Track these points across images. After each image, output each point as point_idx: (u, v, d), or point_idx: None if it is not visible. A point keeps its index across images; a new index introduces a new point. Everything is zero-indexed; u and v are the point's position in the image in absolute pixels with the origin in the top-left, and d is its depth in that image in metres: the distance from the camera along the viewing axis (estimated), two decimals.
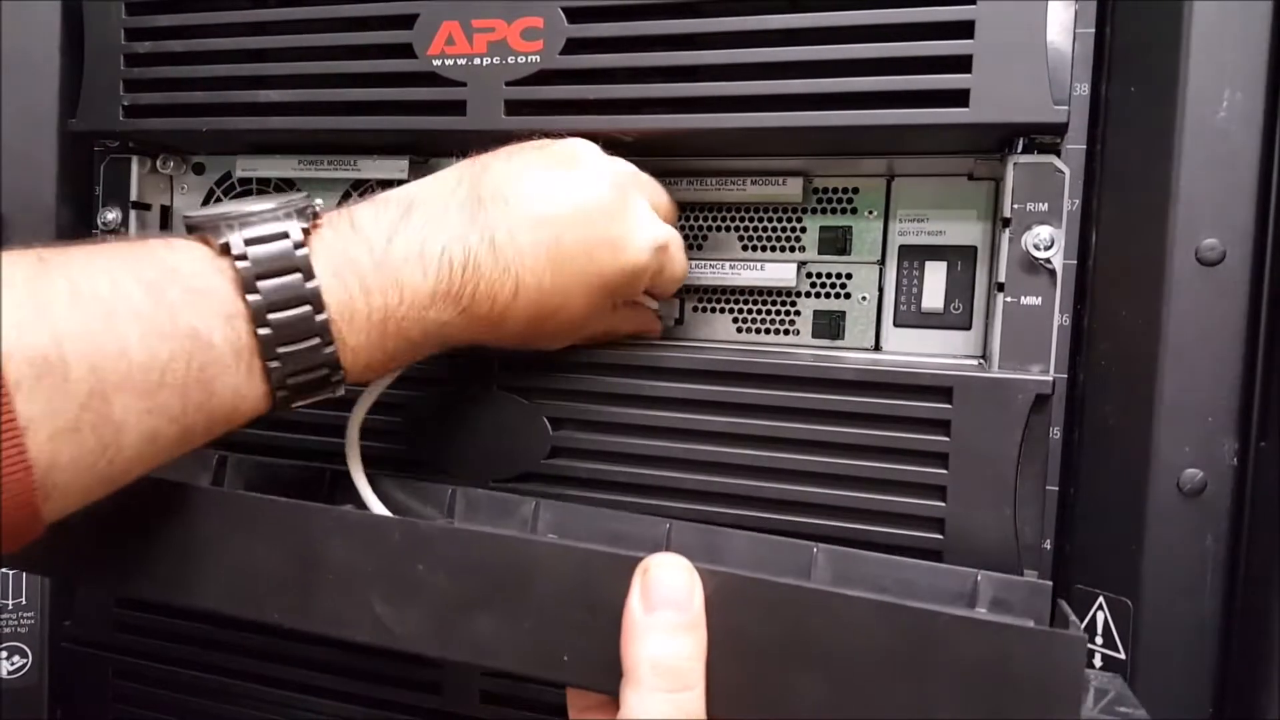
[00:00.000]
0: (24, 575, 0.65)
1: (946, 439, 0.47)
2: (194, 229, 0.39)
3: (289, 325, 0.37)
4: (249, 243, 0.38)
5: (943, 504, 0.47)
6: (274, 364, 0.38)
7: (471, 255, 0.42)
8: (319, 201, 0.42)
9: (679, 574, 0.32)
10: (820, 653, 0.29)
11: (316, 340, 0.38)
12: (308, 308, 0.38)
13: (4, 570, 0.64)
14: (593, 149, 0.48)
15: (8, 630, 0.65)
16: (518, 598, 0.33)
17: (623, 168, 0.49)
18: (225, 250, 0.38)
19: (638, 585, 0.32)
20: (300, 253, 0.38)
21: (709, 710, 0.31)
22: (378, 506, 0.50)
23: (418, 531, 0.35)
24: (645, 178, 0.50)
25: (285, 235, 0.38)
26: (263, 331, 0.37)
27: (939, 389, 0.47)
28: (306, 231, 0.40)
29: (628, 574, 0.33)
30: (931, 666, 0.27)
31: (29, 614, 0.65)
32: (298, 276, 0.38)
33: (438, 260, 0.42)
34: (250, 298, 0.37)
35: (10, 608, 0.65)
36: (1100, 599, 0.44)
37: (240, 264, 0.37)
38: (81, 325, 0.32)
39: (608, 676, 0.31)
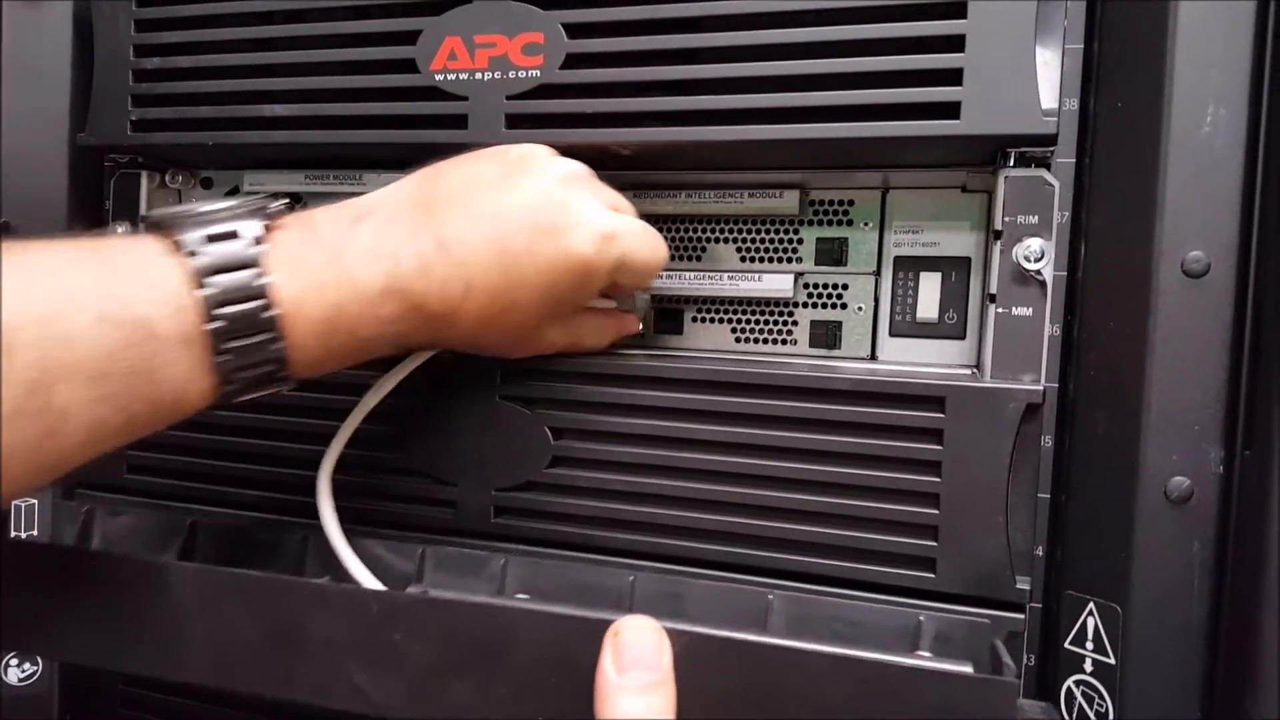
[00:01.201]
0: None
1: (939, 448, 0.47)
2: (154, 226, 0.40)
3: (239, 319, 0.39)
4: (206, 240, 0.39)
5: (936, 512, 0.47)
6: (222, 357, 0.39)
7: (423, 254, 0.44)
8: (282, 202, 0.44)
9: (648, 635, 0.34)
10: (780, 702, 0.31)
11: (266, 335, 0.39)
12: (258, 302, 0.39)
13: None
14: (544, 152, 0.49)
15: None
16: (493, 663, 0.34)
17: (573, 167, 0.49)
18: (181, 246, 0.39)
19: (609, 648, 0.34)
20: (254, 250, 0.40)
21: None
22: (356, 567, 0.51)
23: (394, 602, 0.36)
24: (599, 181, 0.50)
25: (241, 233, 0.40)
26: (212, 325, 0.38)
27: (932, 398, 0.48)
28: (266, 229, 0.41)
29: (599, 636, 0.34)
30: (881, 711, 0.30)
31: None
32: (250, 272, 0.39)
33: (390, 259, 0.43)
34: (201, 291, 0.38)
35: None
36: (1090, 605, 0.45)
37: (194, 259, 0.38)
38: (30, 312, 0.33)
39: None
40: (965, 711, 0.29)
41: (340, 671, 0.35)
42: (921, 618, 0.40)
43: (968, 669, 0.35)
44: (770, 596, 0.45)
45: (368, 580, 0.47)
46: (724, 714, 0.32)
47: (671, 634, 0.34)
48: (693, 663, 0.32)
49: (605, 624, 0.34)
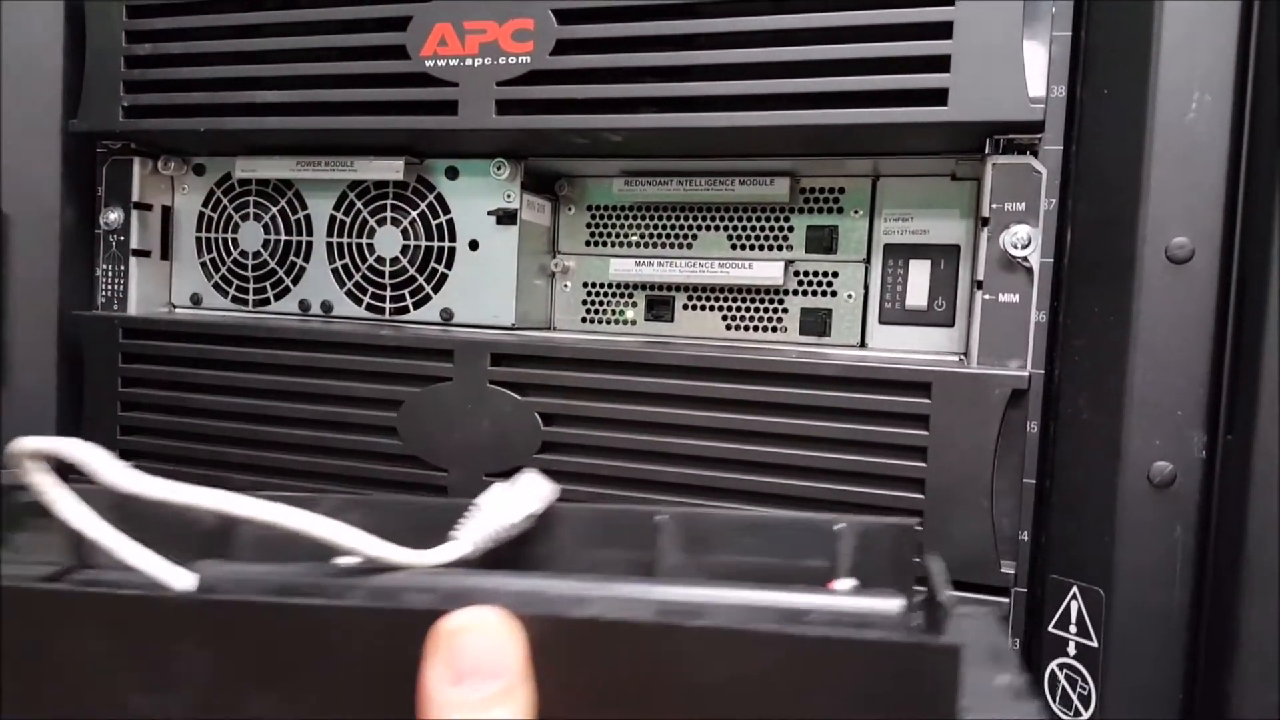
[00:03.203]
0: None
1: (925, 433, 0.48)
2: None
3: None
4: None
5: (921, 496, 0.48)
6: None
7: None
8: None
9: (490, 632, 0.25)
10: (668, 691, 0.25)
11: None
12: None
13: None
14: None
15: None
16: (302, 672, 0.27)
17: None
18: None
19: (438, 654, 0.25)
20: None
21: None
22: (129, 550, 0.32)
23: (171, 605, 0.28)
24: None
25: None
26: None
27: (918, 384, 0.48)
28: None
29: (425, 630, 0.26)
30: (786, 692, 0.24)
31: None
32: None
33: None
34: None
35: None
36: (1074, 588, 0.45)
37: None
38: None
39: None
40: (895, 685, 0.23)
41: (112, 693, 0.28)
42: (837, 527, 0.33)
43: (896, 604, 0.28)
44: (660, 519, 0.35)
45: (151, 568, 0.32)
46: (599, 713, 0.26)
47: (524, 620, 0.26)
48: (555, 652, 0.26)
49: (433, 616, 0.26)
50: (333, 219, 0.64)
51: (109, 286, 0.67)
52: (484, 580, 0.31)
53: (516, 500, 0.34)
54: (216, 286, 0.68)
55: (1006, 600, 0.47)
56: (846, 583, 0.32)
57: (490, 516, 0.33)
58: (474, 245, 0.61)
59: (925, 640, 0.26)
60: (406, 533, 0.32)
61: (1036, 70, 0.46)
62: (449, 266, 0.62)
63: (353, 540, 0.31)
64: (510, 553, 0.33)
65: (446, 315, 0.62)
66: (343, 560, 0.32)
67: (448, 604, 0.26)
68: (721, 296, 0.62)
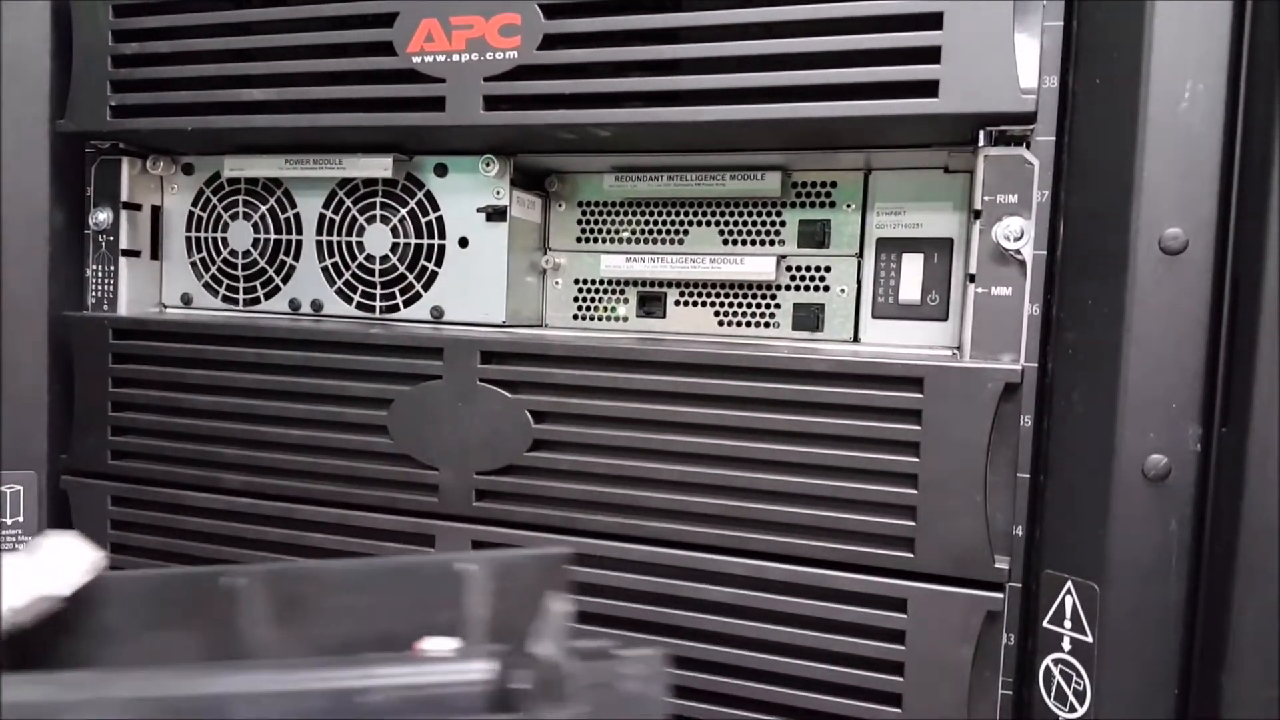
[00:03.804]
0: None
1: (918, 428, 0.47)
2: None
3: None
4: None
5: (915, 492, 0.47)
6: None
7: None
8: None
9: None
10: None
11: None
12: None
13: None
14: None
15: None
16: None
17: None
18: None
19: None
20: None
21: None
22: None
23: None
24: None
25: None
26: None
27: (910, 379, 0.47)
28: None
29: None
30: None
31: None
32: None
33: None
34: None
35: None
36: (1069, 583, 0.45)
37: None
38: None
39: None
40: None
41: None
42: (461, 567, 0.27)
43: (484, 671, 0.23)
44: (234, 582, 0.28)
45: None
46: None
47: None
48: None
49: None
50: (322, 217, 0.64)
51: (99, 287, 0.67)
52: None
53: (37, 576, 0.26)
54: (207, 286, 0.68)
55: (1001, 595, 0.47)
56: (443, 643, 0.27)
57: None
58: (464, 243, 0.61)
59: None
60: None
61: (1028, 61, 0.46)
62: (439, 264, 0.61)
63: None
64: (39, 644, 0.27)
65: (437, 313, 0.62)
66: None
67: None
68: (713, 292, 0.61)
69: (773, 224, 0.60)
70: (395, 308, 0.63)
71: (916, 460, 0.47)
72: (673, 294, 0.62)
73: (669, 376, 0.52)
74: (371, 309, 0.63)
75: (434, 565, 0.28)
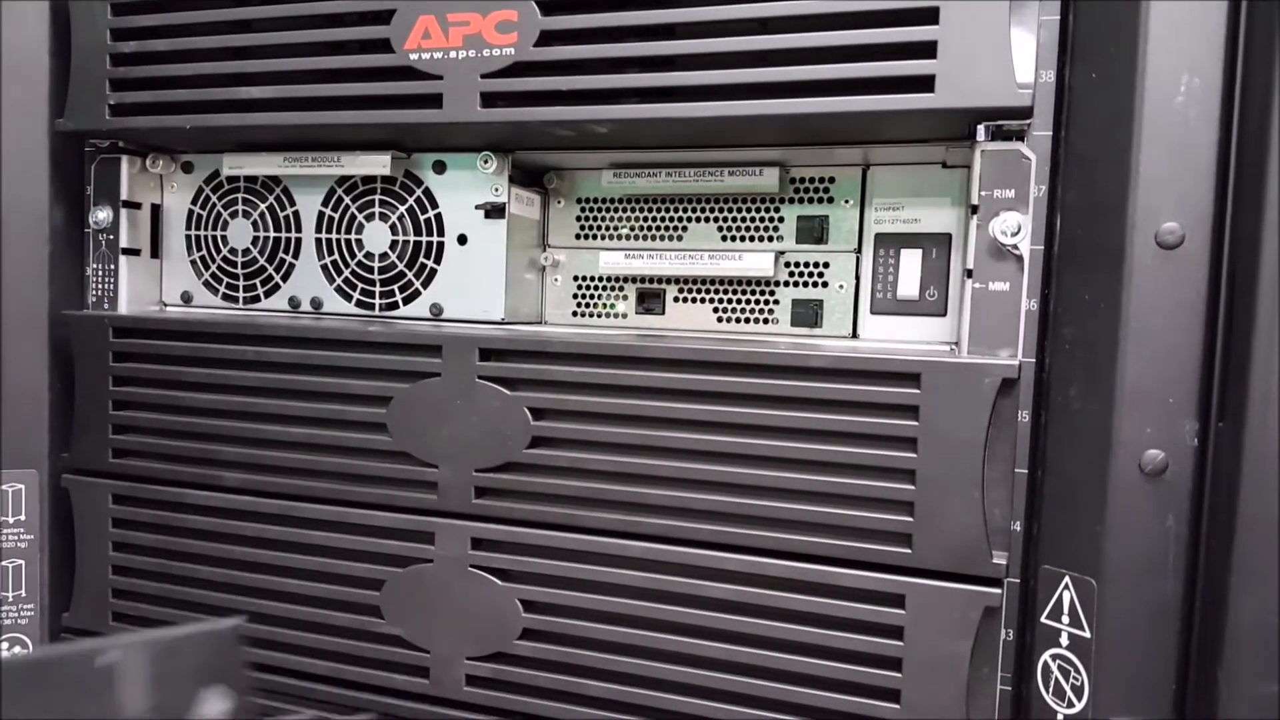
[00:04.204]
0: (24, 569, 0.66)
1: (915, 423, 0.47)
2: None
3: None
4: None
5: (912, 487, 0.47)
6: None
7: None
8: None
9: None
10: None
11: None
12: None
13: (4, 563, 0.65)
14: None
15: (9, 622, 0.66)
16: None
17: None
18: None
19: None
20: None
21: None
22: None
23: None
24: None
25: None
26: None
27: (907, 375, 0.47)
28: None
29: None
30: None
31: (29, 606, 0.66)
32: None
33: None
34: None
35: (11, 600, 0.66)
36: (1066, 579, 0.45)
37: None
38: None
39: None
40: None
41: None
42: (109, 658, 0.24)
43: None
44: None
45: None
46: None
47: None
48: None
49: None
50: (321, 215, 0.64)
51: (99, 285, 0.67)
52: None
53: None
54: (206, 284, 0.68)
55: (999, 591, 0.47)
56: None
57: None
58: (463, 240, 0.61)
59: None
60: None
61: (1024, 56, 0.46)
62: (438, 261, 0.61)
63: None
64: None
65: (436, 310, 0.62)
66: None
67: None
68: (712, 288, 0.61)
69: (771, 220, 0.60)
70: (394, 305, 0.63)
71: (914, 456, 0.47)
72: (672, 290, 0.62)
73: (668, 373, 0.52)
74: (371, 306, 0.63)
75: (74, 658, 0.23)
